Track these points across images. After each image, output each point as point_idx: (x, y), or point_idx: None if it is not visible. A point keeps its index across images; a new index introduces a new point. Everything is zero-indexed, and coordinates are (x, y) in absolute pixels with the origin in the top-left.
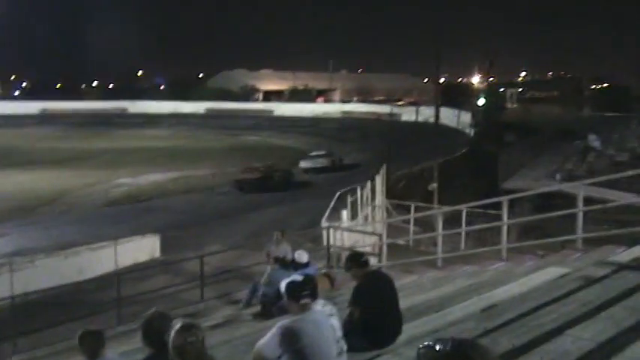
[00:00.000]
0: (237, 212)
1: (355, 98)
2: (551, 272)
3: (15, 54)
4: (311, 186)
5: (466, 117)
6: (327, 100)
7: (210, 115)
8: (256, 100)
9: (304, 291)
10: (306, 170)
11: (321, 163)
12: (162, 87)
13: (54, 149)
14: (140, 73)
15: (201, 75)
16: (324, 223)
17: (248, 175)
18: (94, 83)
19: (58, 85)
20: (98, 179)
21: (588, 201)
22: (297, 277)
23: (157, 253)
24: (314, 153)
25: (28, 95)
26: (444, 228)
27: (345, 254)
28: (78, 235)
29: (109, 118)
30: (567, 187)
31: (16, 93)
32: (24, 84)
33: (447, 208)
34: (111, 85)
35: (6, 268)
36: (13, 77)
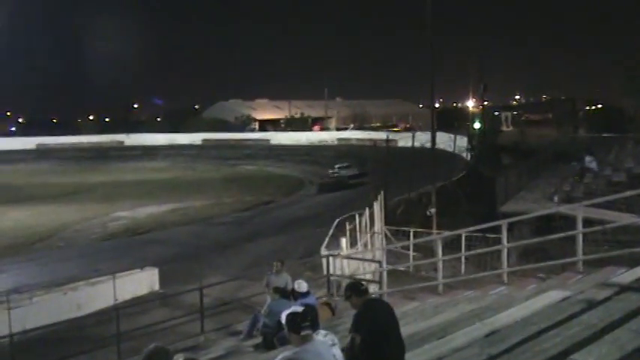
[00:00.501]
0: (236, 243)
1: (351, 125)
2: (553, 295)
3: (10, 90)
4: (363, 185)
5: (462, 141)
6: (323, 128)
7: (207, 146)
8: (252, 129)
9: (305, 322)
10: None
11: (352, 171)
12: (158, 118)
13: (51, 184)
14: (136, 105)
15: (197, 106)
16: (324, 252)
17: (326, 180)
18: (90, 117)
19: (54, 120)
20: (96, 213)
21: (587, 222)
22: (298, 307)
23: (156, 286)
24: (339, 165)
25: (24, 130)
26: (443, 253)
27: (345, 282)
28: (76, 270)
29: (106, 151)
30: (566, 208)
31: (13, 128)
32: (20, 119)
33: (446, 234)
34: (107, 119)
35: (4, 306)
36: (8, 113)
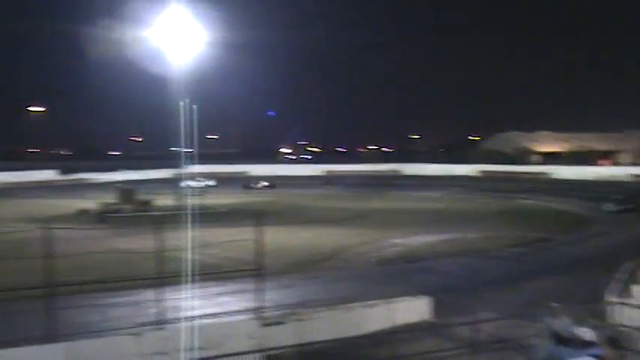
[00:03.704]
0: (510, 279)
1: None
2: None
3: (306, 122)
4: None
5: None
6: (615, 163)
7: (484, 178)
8: (532, 162)
9: None
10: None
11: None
12: (440, 149)
13: (335, 208)
14: (414, 136)
15: (473, 137)
16: (611, 298)
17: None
18: (372, 147)
19: (342, 149)
20: (373, 238)
21: None
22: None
23: (428, 316)
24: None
25: (316, 158)
26: None
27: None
28: (353, 291)
29: (384, 179)
30: None
31: (308, 156)
32: (312, 148)
33: None
34: (387, 149)
35: (293, 318)
36: (304, 142)
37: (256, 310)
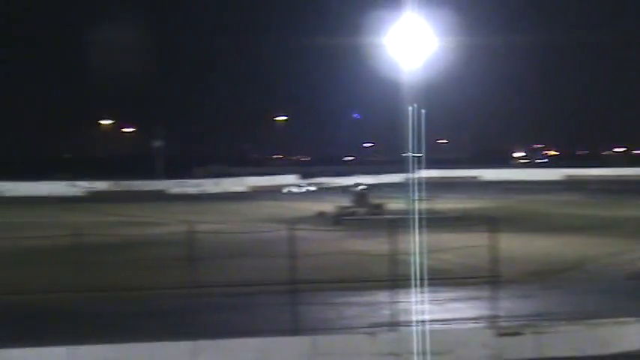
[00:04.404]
0: None
1: None
2: None
3: (541, 123)
4: None
5: None
6: None
7: None
8: None
9: None
10: None
11: None
12: None
13: (576, 215)
14: None
15: None
16: None
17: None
18: (619, 149)
19: (582, 152)
20: (622, 249)
21: None
22: None
23: None
24: None
25: (552, 162)
26: None
27: None
28: (599, 306)
29: (636, 185)
30: None
31: (544, 160)
32: (548, 151)
33: None
34: (637, 151)
35: (532, 329)
36: (539, 145)
37: (490, 319)
